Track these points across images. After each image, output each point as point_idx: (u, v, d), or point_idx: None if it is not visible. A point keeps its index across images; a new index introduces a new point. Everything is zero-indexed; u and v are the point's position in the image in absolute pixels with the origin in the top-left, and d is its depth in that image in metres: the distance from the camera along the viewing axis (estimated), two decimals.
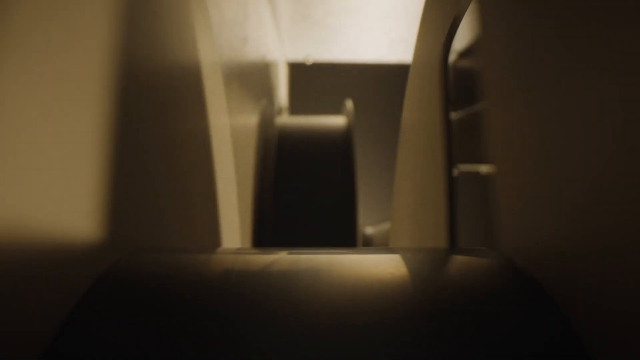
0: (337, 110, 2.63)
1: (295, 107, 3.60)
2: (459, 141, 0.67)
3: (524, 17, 0.42)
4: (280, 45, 3.04)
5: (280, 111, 2.70)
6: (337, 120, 2.04)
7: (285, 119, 2.11)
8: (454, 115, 0.68)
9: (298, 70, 3.69)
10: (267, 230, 1.73)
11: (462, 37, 0.66)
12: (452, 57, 0.70)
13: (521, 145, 0.42)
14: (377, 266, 0.41)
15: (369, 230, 2.87)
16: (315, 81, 3.68)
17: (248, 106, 1.54)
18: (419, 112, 0.80)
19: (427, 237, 0.72)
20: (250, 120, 1.59)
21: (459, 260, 0.43)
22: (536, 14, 0.39)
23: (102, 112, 0.43)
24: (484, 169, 0.50)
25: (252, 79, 1.68)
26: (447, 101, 0.70)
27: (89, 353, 0.33)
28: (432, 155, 0.70)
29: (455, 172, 0.65)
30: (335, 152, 1.86)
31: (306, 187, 1.79)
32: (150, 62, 0.56)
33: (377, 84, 3.63)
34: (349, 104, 2.06)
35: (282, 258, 0.43)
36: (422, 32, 0.79)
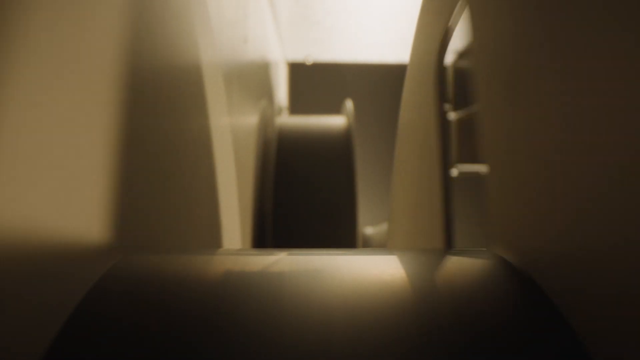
0: (337, 110, 2.63)
1: (295, 107, 3.59)
2: (460, 141, 0.67)
3: (513, 21, 0.42)
4: (280, 45, 3.04)
5: (280, 111, 2.70)
6: (337, 121, 2.04)
7: (285, 119, 2.11)
8: (454, 116, 0.68)
9: (298, 70, 3.69)
10: (267, 231, 1.73)
11: (460, 39, 0.66)
12: (451, 57, 0.70)
13: (516, 147, 0.42)
14: (376, 267, 0.41)
15: (368, 230, 2.87)
16: (315, 81, 3.68)
17: (248, 106, 1.54)
18: (415, 113, 0.80)
19: (424, 238, 0.72)
20: (250, 120, 1.59)
21: (456, 262, 0.43)
22: (525, 18, 0.40)
23: (103, 113, 0.43)
24: (482, 169, 0.50)
25: (252, 79, 1.68)
26: (442, 102, 0.70)
27: (90, 354, 0.34)
28: (429, 156, 0.70)
29: (455, 172, 0.65)
30: (335, 152, 1.86)
31: (306, 187, 1.79)
32: (150, 63, 0.57)
33: (377, 84, 3.62)
34: (349, 104, 2.06)
35: (282, 259, 0.44)
36: (418, 34, 0.79)
